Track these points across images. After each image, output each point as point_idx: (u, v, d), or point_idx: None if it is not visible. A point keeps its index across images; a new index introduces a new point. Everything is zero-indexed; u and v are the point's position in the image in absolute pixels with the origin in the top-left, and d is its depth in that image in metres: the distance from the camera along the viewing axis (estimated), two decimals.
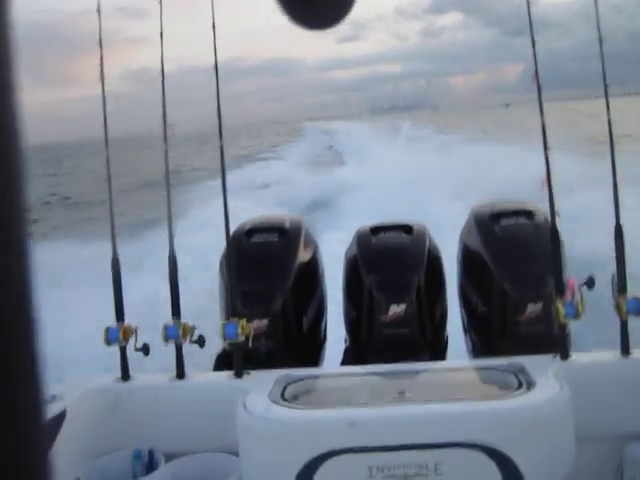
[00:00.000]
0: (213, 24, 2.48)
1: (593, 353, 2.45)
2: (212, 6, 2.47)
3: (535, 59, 2.37)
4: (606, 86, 2.33)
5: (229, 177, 2.55)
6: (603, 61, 2.33)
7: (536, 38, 2.36)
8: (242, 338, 2.39)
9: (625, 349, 2.28)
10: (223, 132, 2.53)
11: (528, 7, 2.34)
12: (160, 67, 2.49)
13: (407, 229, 2.86)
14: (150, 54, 2.49)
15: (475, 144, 22.10)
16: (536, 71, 2.36)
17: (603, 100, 2.35)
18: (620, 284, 2.28)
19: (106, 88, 2.50)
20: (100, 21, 2.49)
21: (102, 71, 2.52)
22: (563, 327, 2.31)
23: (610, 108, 2.36)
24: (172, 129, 2.51)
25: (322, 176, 17.68)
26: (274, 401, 2.08)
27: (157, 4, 2.47)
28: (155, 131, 2.54)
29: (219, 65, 2.52)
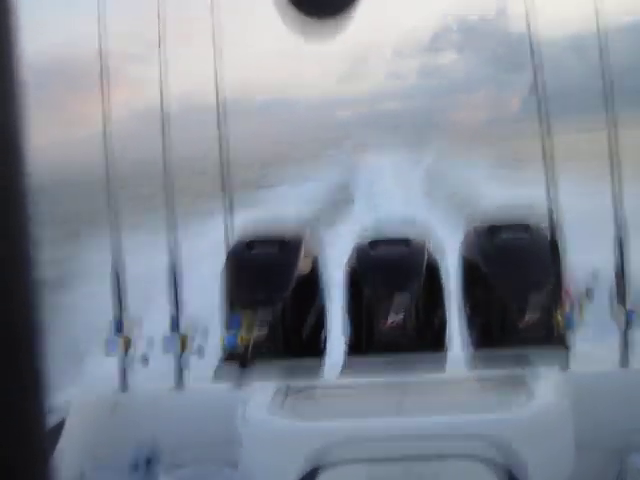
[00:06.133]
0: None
1: (592, 364, 2.45)
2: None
3: (535, 70, 2.39)
4: (608, 98, 2.35)
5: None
6: (608, 70, 2.34)
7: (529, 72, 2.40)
8: (242, 349, 2.39)
9: (624, 360, 2.28)
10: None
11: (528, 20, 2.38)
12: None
13: (405, 242, 2.87)
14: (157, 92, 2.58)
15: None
16: (536, 81, 2.39)
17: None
18: (620, 295, 2.28)
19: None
20: (101, 55, 2.55)
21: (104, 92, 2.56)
22: (562, 338, 2.31)
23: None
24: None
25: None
26: (273, 412, 2.07)
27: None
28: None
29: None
